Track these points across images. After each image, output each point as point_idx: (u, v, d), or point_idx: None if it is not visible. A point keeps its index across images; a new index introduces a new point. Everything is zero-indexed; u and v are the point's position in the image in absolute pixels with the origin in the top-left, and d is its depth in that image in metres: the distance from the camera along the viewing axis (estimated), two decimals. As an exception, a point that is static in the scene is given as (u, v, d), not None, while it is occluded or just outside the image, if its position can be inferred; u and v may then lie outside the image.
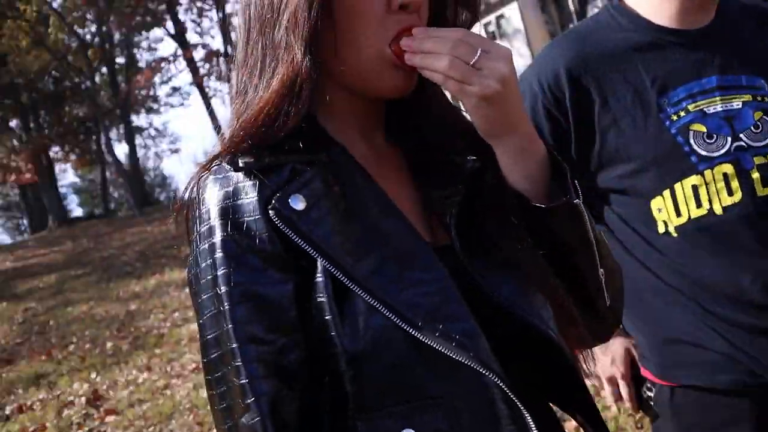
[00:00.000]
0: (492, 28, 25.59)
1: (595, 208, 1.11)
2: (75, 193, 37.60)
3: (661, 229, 1.06)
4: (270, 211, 0.60)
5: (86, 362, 5.52)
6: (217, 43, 23.06)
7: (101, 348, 5.93)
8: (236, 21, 0.79)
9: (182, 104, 35.71)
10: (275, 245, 0.60)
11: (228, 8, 19.59)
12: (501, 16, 25.14)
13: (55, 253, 12.66)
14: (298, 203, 0.61)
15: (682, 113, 1.06)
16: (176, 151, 39.12)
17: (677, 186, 1.04)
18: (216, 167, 0.64)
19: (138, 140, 28.52)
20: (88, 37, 20.12)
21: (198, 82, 20.16)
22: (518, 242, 0.68)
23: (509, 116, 0.65)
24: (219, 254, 0.60)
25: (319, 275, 0.60)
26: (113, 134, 24.92)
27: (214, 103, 21.40)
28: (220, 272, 0.59)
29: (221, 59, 19.84)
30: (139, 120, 28.07)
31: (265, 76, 0.67)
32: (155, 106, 27.42)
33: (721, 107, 1.06)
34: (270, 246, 0.60)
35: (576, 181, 0.68)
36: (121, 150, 26.38)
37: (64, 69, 18.56)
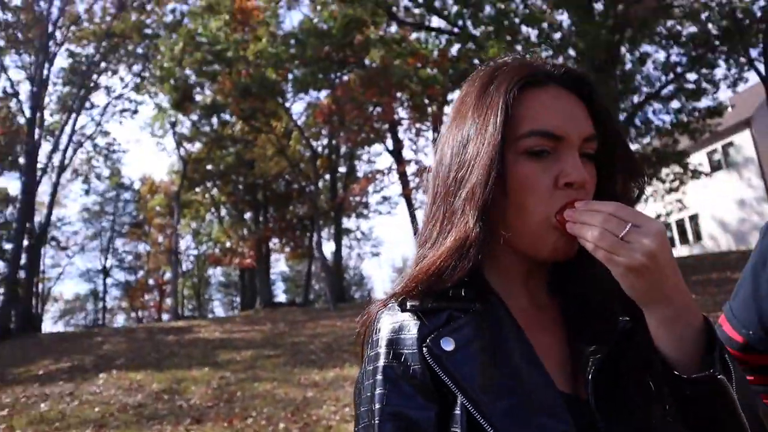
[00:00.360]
0: (718, 156, 23.83)
1: None
2: (283, 280, 41.65)
3: None
4: (424, 348, 0.70)
5: (259, 437, 5.82)
6: (429, 160, 24.69)
7: (274, 427, 6.24)
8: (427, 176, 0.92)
9: (389, 212, 38.61)
10: (425, 377, 0.70)
11: (443, 129, 21.15)
12: (729, 144, 23.37)
13: (256, 331, 13.93)
14: (449, 345, 0.71)
15: None
16: (377, 254, 41.79)
17: None
18: (391, 304, 0.77)
19: (345, 241, 31.06)
20: (320, 149, 23.07)
21: (406, 194, 21.64)
22: (659, 409, 0.71)
23: (658, 288, 0.67)
24: (379, 377, 0.71)
25: (457, 409, 0.68)
26: (324, 233, 27.47)
27: (418, 214, 22.65)
28: (377, 391, 0.70)
29: (431, 174, 21.18)
30: (348, 222, 30.65)
31: (442, 234, 0.79)
32: (365, 212, 29.81)
33: None
34: (421, 377, 0.70)
35: (728, 357, 0.68)
36: (328, 248, 28.86)
37: (295, 174, 21.31)
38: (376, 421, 0.69)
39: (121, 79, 26.61)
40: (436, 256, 0.77)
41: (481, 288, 0.77)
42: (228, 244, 24.29)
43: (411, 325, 0.73)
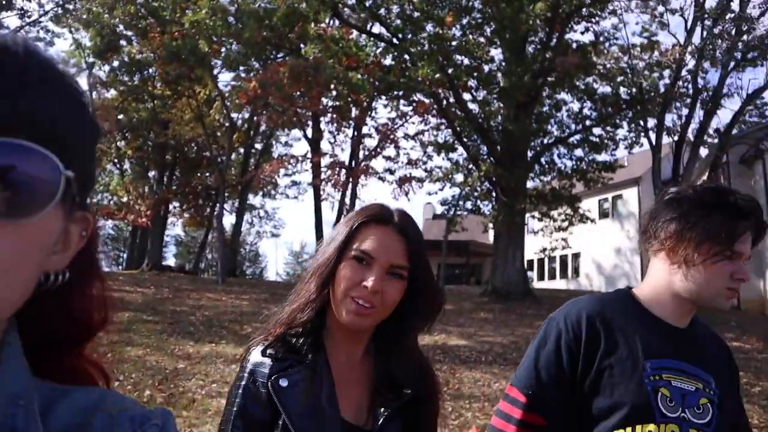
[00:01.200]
0: (607, 205, 26.04)
1: (585, 424, 1.42)
2: (176, 244, 40.40)
3: None
4: (269, 382, 1.17)
5: (122, 401, 5.91)
6: (344, 156, 24.97)
7: (140, 393, 6.35)
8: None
9: (297, 197, 38.41)
10: (267, 399, 1.17)
11: (364, 130, 21.56)
12: (619, 197, 25.60)
13: (138, 293, 13.63)
14: (284, 383, 1.17)
15: (657, 377, 1.37)
16: (277, 235, 41.48)
17: (638, 427, 1.34)
18: (261, 345, 1.24)
19: (247, 216, 30.72)
20: (239, 122, 22.74)
21: (316, 184, 21.82)
22: None
23: None
24: (240, 391, 1.19)
25: (280, 421, 1.15)
26: (228, 206, 27.09)
27: (324, 205, 22.90)
28: (238, 399, 1.19)
29: (342, 171, 21.50)
30: (254, 199, 30.37)
31: (297, 299, 1.29)
32: (273, 192, 29.65)
33: (682, 384, 1.39)
34: (265, 398, 1.17)
35: None
36: (229, 220, 28.41)
37: (209, 143, 20.89)
38: (233, 415, 1.17)
39: (41, 5, 24.66)
40: (291, 309, 1.28)
41: (316, 346, 1.23)
42: (125, 199, 23.35)
43: (266, 365, 1.20)
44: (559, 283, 27.01)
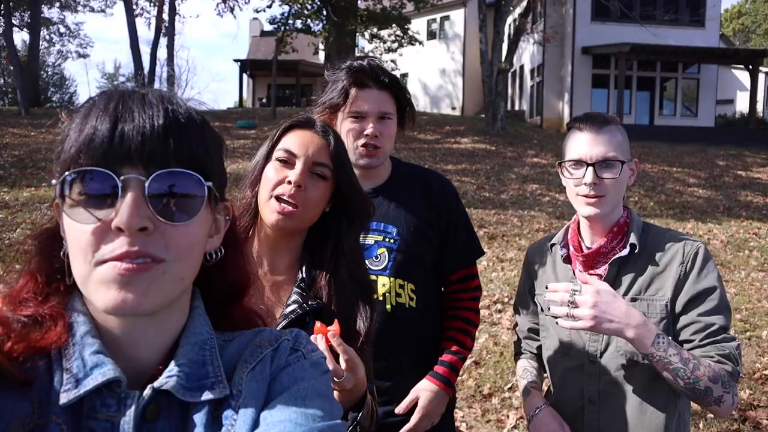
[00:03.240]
0: (435, 26, 26.51)
1: None
2: (-46, 66, 33.98)
3: None
4: None
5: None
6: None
7: (-43, 249, 5.90)
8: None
9: (103, 11, 33.36)
10: None
11: None
12: (446, 18, 26.13)
13: None
14: None
15: None
16: (85, 56, 36.52)
17: None
18: None
19: (43, 33, 26.50)
20: None
21: (125, -5, 19.21)
22: None
23: None
24: None
25: None
26: (16, 19, 23.05)
27: (138, 21, 20.48)
28: None
29: None
30: (50, 12, 26.07)
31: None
32: (72, 3, 25.61)
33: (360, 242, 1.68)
34: None
35: None
36: (20, 38, 24.31)
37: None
38: None
39: None
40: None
41: None
42: None
43: None
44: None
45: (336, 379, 1.04)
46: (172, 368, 0.68)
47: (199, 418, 0.67)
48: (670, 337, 1.43)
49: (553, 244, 1.72)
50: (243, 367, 0.72)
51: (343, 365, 1.06)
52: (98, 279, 0.63)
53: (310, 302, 1.22)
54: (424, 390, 1.72)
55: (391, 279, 1.71)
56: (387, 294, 1.70)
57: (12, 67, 18.94)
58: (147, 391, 0.66)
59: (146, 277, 0.63)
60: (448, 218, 1.82)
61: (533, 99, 22.90)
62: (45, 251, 0.71)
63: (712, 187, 11.68)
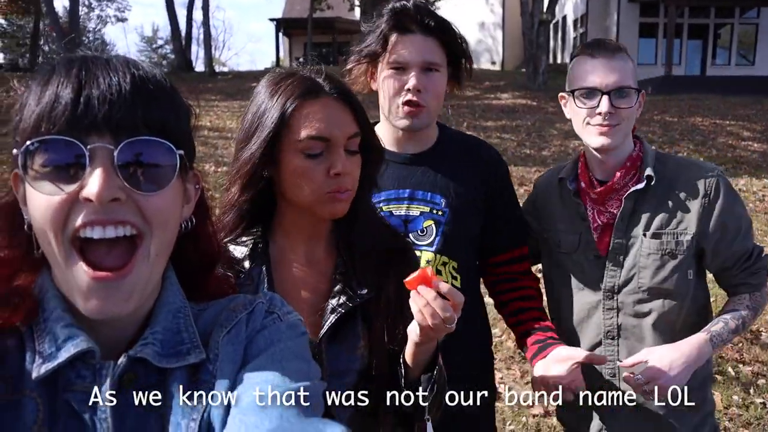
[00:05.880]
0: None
1: None
2: None
3: None
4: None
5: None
6: None
7: None
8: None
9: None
10: None
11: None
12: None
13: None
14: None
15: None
16: (123, 20, 36.83)
17: None
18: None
19: (82, -2, 26.78)
20: None
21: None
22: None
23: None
24: None
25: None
26: (56, -15, 23.25)
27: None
28: None
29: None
30: (87, -23, 26.22)
31: (223, 207, 1.15)
32: (108, -33, 25.70)
33: (405, 213, 1.54)
34: None
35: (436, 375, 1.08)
36: (60, 3, 24.58)
37: None
38: None
39: None
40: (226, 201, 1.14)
41: (260, 258, 1.13)
42: None
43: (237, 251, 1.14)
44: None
45: (448, 326, 0.97)
46: (147, 336, 0.67)
47: (177, 383, 0.67)
48: (712, 326, 1.46)
49: (562, 178, 1.65)
50: (218, 331, 0.72)
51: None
52: (78, 285, 0.61)
53: (359, 291, 1.10)
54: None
55: (437, 256, 1.54)
56: None
57: (54, 34, 19.22)
58: (122, 359, 0.65)
59: (128, 283, 0.62)
60: (501, 193, 1.64)
61: (576, 51, 22.02)
62: (5, 228, 0.68)
63: (768, 140, 11.07)
